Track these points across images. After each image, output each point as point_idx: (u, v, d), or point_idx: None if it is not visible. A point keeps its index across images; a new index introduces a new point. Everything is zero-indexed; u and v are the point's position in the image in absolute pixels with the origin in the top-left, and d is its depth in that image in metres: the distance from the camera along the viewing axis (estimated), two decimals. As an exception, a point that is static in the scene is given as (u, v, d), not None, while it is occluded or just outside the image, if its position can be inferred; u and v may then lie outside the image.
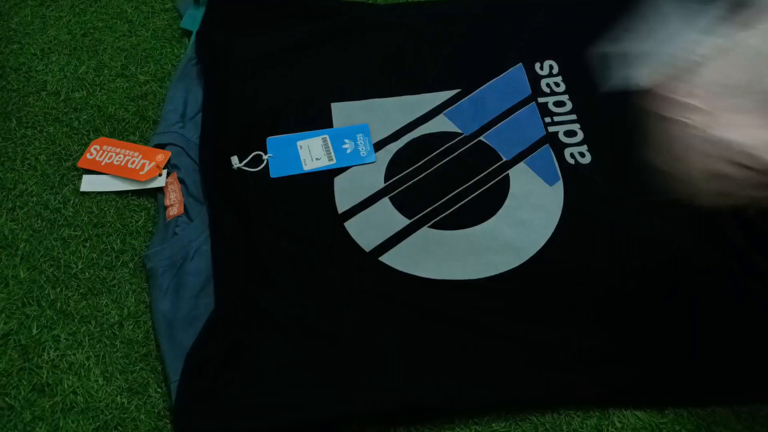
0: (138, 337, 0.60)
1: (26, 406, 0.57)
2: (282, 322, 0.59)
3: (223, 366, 0.56)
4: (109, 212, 0.68)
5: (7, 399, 0.57)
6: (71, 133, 0.73)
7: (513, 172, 0.69)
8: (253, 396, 0.56)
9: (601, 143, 0.71)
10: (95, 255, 0.65)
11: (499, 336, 0.59)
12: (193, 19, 0.80)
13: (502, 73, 0.76)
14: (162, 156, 0.70)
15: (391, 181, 0.69)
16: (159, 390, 0.57)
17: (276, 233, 0.64)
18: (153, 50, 0.80)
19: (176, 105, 0.74)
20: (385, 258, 0.63)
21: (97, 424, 0.56)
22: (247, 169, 0.68)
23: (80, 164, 0.71)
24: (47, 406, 0.57)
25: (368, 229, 0.65)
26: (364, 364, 0.57)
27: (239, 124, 0.72)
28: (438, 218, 0.66)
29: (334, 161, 0.69)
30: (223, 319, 0.59)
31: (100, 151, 0.71)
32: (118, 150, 0.71)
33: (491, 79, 0.76)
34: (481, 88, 0.75)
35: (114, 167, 0.70)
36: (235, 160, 0.68)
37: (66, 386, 0.58)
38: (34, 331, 0.61)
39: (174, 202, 0.67)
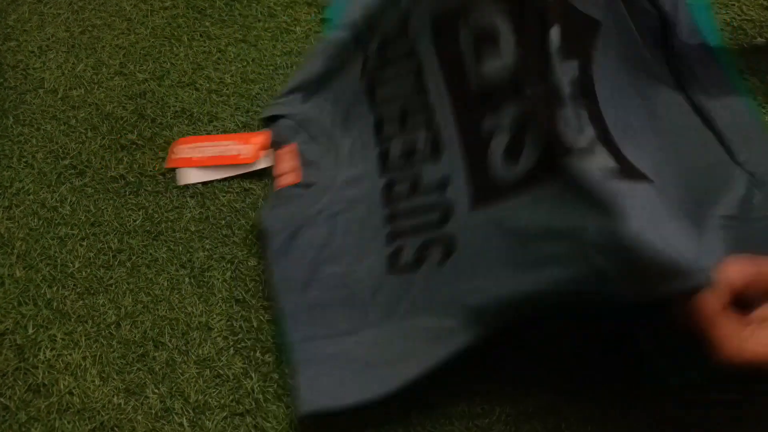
0: (135, 337, 0.60)
1: (21, 406, 0.56)
2: None
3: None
4: (107, 211, 0.67)
5: (2, 399, 0.57)
6: (69, 131, 0.73)
7: None
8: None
9: None
10: (92, 254, 0.65)
11: None
12: (338, 11, 0.77)
13: None
14: (262, 137, 0.68)
15: None
16: (156, 391, 0.57)
17: None
18: (152, 48, 0.80)
19: (303, 78, 0.70)
20: None
21: (94, 425, 0.55)
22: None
23: (168, 166, 0.69)
24: (43, 406, 0.56)
25: None
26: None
27: None
28: None
29: None
30: None
31: (185, 151, 0.69)
32: (204, 144, 0.69)
33: None
34: None
35: (212, 159, 0.67)
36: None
37: (62, 387, 0.57)
38: (30, 331, 0.60)
39: (289, 170, 0.65)
